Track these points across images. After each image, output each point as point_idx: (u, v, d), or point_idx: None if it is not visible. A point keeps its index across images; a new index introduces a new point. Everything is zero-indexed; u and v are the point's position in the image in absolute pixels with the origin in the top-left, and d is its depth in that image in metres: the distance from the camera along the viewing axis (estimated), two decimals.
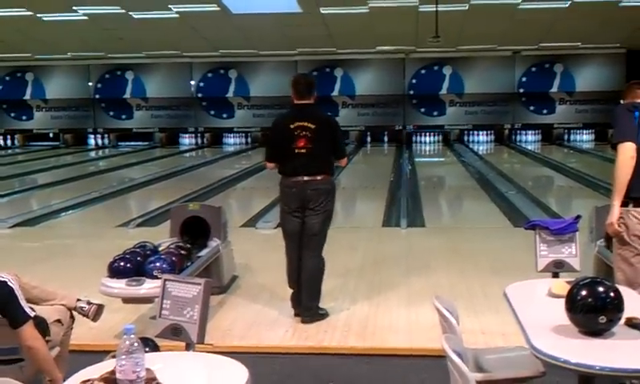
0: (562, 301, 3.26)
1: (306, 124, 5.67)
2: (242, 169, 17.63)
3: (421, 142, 24.88)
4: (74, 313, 4.40)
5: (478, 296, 6.37)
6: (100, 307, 4.53)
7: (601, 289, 3.17)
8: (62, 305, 4.27)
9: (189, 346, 3.35)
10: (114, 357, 2.71)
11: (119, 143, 26.02)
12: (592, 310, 3.11)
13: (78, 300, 4.45)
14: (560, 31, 20.27)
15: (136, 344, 2.62)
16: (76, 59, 25.03)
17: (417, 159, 20.30)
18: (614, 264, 4.66)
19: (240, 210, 12.38)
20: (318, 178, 5.73)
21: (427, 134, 25.02)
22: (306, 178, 5.68)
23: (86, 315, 4.47)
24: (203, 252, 6.21)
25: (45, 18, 18.77)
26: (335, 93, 25.20)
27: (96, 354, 4.07)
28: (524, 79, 24.67)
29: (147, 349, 3.81)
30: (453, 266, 7.65)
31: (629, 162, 4.37)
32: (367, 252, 8.39)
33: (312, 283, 5.79)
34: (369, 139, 25.34)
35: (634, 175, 4.40)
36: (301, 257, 5.81)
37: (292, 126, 5.69)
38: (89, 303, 4.47)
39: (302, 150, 5.66)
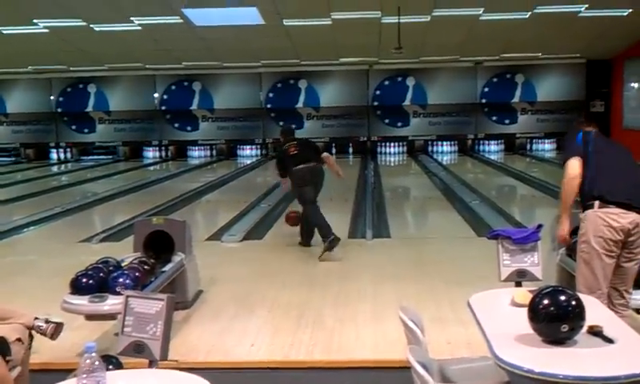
0: (525, 310, 3.29)
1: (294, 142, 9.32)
2: (207, 182, 17.54)
3: (385, 152, 24.98)
4: (33, 332, 4.33)
5: (444, 306, 6.39)
6: (59, 325, 4.45)
7: (563, 298, 3.21)
8: (20, 323, 4.19)
9: (152, 363, 3.32)
10: (76, 376, 2.67)
11: (82, 157, 25.72)
12: (554, 318, 3.15)
13: (36, 318, 4.38)
14: (521, 42, 20.53)
15: (97, 363, 2.58)
16: (37, 72, 24.73)
17: (382, 170, 20.37)
18: (576, 269, 4.71)
19: (205, 223, 12.31)
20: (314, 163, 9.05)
21: (391, 144, 25.12)
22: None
23: (44, 334, 4.39)
24: (167, 267, 6.14)
25: (4, 31, 18.55)
26: (300, 104, 25.22)
27: (58, 373, 4.01)
28: (486, 89, 24.92)
29: (110, 367, 3.79)
30: (418, 277, 7.67)
31: (573, 180, 4.54)
32: (333, 263, 8.38)
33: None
34: (334, 151, 25.36)
35: (597, 175, 4.50)
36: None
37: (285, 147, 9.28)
38: (47, 322, 4.40)
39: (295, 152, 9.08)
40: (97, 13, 16.82)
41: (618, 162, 4.64)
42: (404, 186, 18.44)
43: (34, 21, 17.65)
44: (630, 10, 17.29)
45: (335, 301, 6.76)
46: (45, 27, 18.27)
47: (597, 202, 4.52)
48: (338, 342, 5.60)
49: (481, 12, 17.28)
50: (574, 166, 4.58)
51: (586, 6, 16.92)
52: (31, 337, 4.30)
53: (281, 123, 25.12)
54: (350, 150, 25.26)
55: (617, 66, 21.98)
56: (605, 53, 21.62)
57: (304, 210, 9.19)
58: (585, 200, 4.65)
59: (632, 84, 21.18)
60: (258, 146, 25.21)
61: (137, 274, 5.48)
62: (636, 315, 5.21)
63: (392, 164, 23.59)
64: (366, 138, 25.19)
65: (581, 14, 17.57)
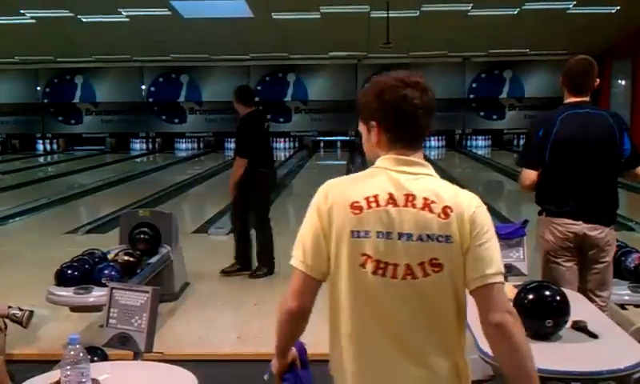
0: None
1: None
2: (194, 174, 17.50)
3: None
4: (6, 320, 4.31)
5: None
6: (31, 313, 4.43)
7: (547, 293, 3.22)
8: None
9: (137, 355, 3.31)
10: (60, 367, 2.65)
11: (68, 148, 25.58)
12: (539, 313, 3.16)
13: (9, 307, 4.35)
14: (509, 38, 20.60)
15: (81, 354, 2.57)
16: (24, 63, 24.57)
17: (369, 164, 20.33)
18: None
19: (192, 215, 12.29)
20: None
21: None
22: None
23: (19, 321, 4.36)
24: (153, 259, 6.13)
25: None
26: (288, 98, 25.20)
27: (43, 364, 4.00)
28: (474, 85, 24.98)
29: (96, 358, 3.77)
30: None
31: (527, 189, 4.43)
32: None
33: None
34: (322, 144, 25.38)
35: (548, 190, 4.39)
36: None
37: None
38: (20, 309, 4.37)
39: None
40: (84, 3, 16.74)
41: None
42: None
43: (21, 11, 17.54)
44: (618, 7, 17.38)
45: (322, 294, 6.76)
46: (32, 18, 18.17)
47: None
48: (324, 335, 5.59)
49: (469, 7, 17.32)
50: (527, 175, 4.52)
51: (575, 2, 16.99)
52: (5, 325, 4.28)
53: (269, 116, 25.11)
54: (338, 144, 25.26)
55: (605, 63, 22.04)
56: (593, 49, 21.55)
57: (266, 229, 7.55)
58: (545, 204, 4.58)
59: (619, 81, 21.29)
60: None
61: (122, 265, 5.48)
62: (617, 309, 5.24)
63: None
64: (354, 133, 25.17)
65: (569, 11, 17.65)
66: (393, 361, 2.13)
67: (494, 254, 2.19)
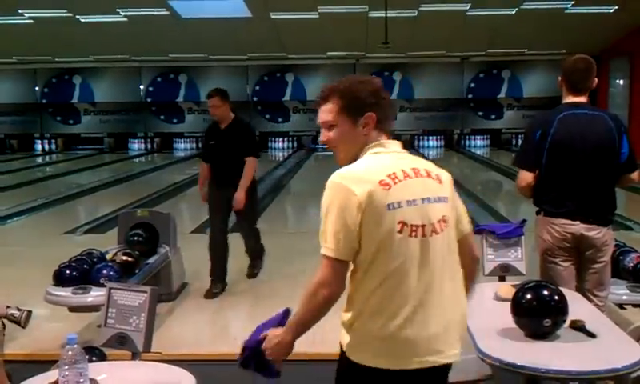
0: (509, 304, 3.30)
1: None
2: (193, 174, 17.45)
3: None
4: (5, 320, 4.31)
5: None
6: (29, 313, 4.42)
7: (545, 292, 3.22)
8: None
9: (135, 355, 3.31)
10: (58, 367, 2.65)
11: (67, 148, 25.56)
12: (537, 313, 3.16)
13: (8, 307, 4.35)
14: (507, 38, 20.60)
15: (79, 354, 2.57)
16: (22, 63, 24.55)
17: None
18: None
19: (190, 216, 12.27)
20: None
21: None
22: None
23: (17, 321, 4.36)
24: (152, 259, 6.13)
25: None
26: (286, 98, 25.20)
27: (41, 364, 4.00)
28: (472, 85, 24.98)
29: (94, 358, 3.77)
30: None
31: (524, 190, 4.43)
32: (318, 256, 8.36)
33: None
34: (320, 144, 25.36)
35: (548, 189, 4.38)
36: None
37: None
38: (18, 309, 4.37)
39: None
40: (82, 4, 16.73)
41: None
42: None
43: (19, 11, 17.52)
44: (616, 7, 17.38)
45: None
46: (30, 18, 18.15)
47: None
48: (321, 335, 5.59)
49: (468, 7, 17.32)
50: (524, 177, 4.52)
51: (573, 2, 16.99)
52: (3, 325, 4.28)
53: (267, 116, 25.13)
54: None
55: (602, 63, 22.04)
56: (590, 49, 21.54)
57: (258, 233, 7.56)
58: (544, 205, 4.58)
59: (617, 80, 21.30)
60: None
61: (121, 265, 5.48)
62: (615, 308, 5.24)
63: None
64: None
65: (567, 11, 17.66)
66: (442, 314, 2.52)
67: (464, 209, 2.78)
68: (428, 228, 2.49)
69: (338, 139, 2.66)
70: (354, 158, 2.62)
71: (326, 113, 2.68)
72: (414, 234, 2.46)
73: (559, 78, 4.42)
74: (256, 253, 7.50)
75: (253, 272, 7.48)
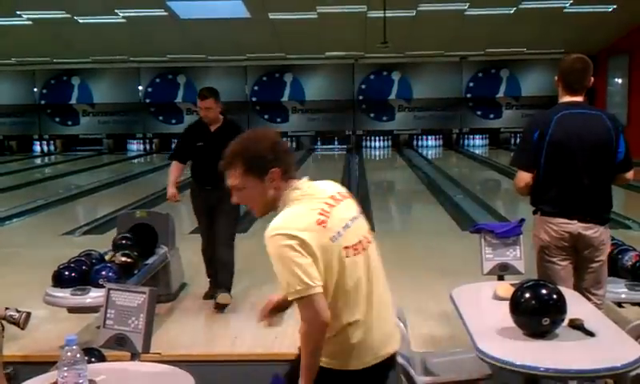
0: (507, 303, 3.30)
1: None
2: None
3: (370, 146, 25.00)
4: (4, 322, 4.31)
5: (427, 299, 6.41)
6: (28, 315, 4.43)
7: (544, 291, 3.22)
8: None
9: (134, 356, 3.31)
10: (57, 368, 2.65)
11: (65, 150, 25.54)
12: (535, 312, 3.16)
13: (7, 309, 4.35)
14: (506, 37, 20.61)
15: (78, 355, 2.57)
16: (21, 64, 24.54)
17: (366, 164, 20.39)
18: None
19: (189, 216, 12.23)
20: None
21: (377, 138, 25.15)
22: None
23: (17, 323, 4.36)
24: (151, 260, 6.13)
25: None
26: (285, 98, 25.19)
27: (40, 365, 4.00)
28: (471, 84, 24.98)
29: (93, 359, 3.77)
30: (402, 270, 7.67)
31: (522, 191, 4.44)
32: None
33: None
34: (319, 144, 25.39)
35: (546, 188, 4.39)
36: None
37: None
38: (17, 311, 4.37)
39: None
40: (81, 5, 16.73)
41: None
42: (389, 179, 18.48)
43: (18, 12, 17.52)
44: (614, 6, 17.39)
45: None
46: (28, 19, 18.15)
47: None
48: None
49: (466, 7, 17.33)
50: (522, 178, 4.52)
51: (571, 1, 17.00)
52: (2, 326, 4.28)
53: (266, 117, 25.12)
54: (336, 143, 25.28)
55: (601, 62, 22.06)
56: (589, 48, 21.61)
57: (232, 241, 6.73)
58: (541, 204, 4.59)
59: (616, 79, 21.31)
60: None
61: (120, 266, 5.48)
62: (615, 307, 5.25)
63: (377, 158, 23.64)
64: (351, 132, 25.20)
65: (566, 10, 17.67)
66: (385, 312, 2.82)
67: None
68: (364, 242, 2.76)
69: (250, 199, 2.81)
70: (271, 209, 2.79)
71: (233, 178, 2.79)
72: (356, 252, 2.70)
73: (556, 78, 4.43)
74: (225, 267, 6.52)
75: (217, 292, 6.41)
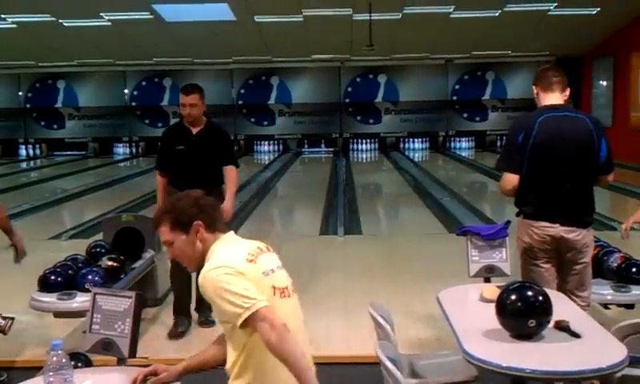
0: (494, 305, 3.31)
1: None
2: None
3: (357, 149, 25.02)
4: None
5: (415, 302, 6.43)
6: (12, 320, 4.42)
7: (530, 293, 3.24)
8: None
9: (120, 361, 3.29)
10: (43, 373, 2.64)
11: (51, 153, 25.42)
12: (521, 313, 3.18)
13: None
14: (491, 40, 20.68)
15: (64, 360, 2.56)
16: (5, 68, 24.38)
17: (353, 167, 20.41)
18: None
19: None
20: None
21: (363, 141, 25.17)
22: None
23: (2, 330, 4.35)
24: (137, 264, 6.11)
25: None
26: (271, 101, 25.16)
27: (27, 370, 3.98)
28: (457, 87, 25.05)
29: (79, 364, 3.76)
30: (389, 273, 7.70)
31: (509, 193, 4.46)
32: (305, 260, 8.38)
33: None
34: (306, 147, 25.40)
35: (528, 191, 4.42)
36: None
37: None
38: (3, 317, 4.36)
39: None
40: (66, 8, 16.64)
41: None
42: (376, 182, 18.51)
43: (2, 16, 17.41)
44: (599, 9, 17.49)
45: (306, 297, 6.75)
46: (13, 22, 18.04)
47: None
48: (308, 338, 5.59)
49: (452, 10, 17.36)
50: (509, 180, 4.55)
51: (556, 4, 17.08)
52: None
53: (252, 120, 25.10)
54: (322, 146, 25.29)
55: (586, 64, 22.22)
56: (574, 51, 21.84)
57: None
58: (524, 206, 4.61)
59: (600, 81, 21.43)
60: None
61: (106, 270, 5.45)
62: (600, 309, 5.28)
63: (364, 161, 23.66)
64: (337, 135, 25.21)
65: (550, 13, 17.73)
66: (310, 361, 2.90)
67: None
68: (289, 289, 2.95)
69: (180, 253, 2.99)
70: (201, 262, 2.94)
71: (164, 234, 3.00)
72: (283, 295, 2.89)
73: (533, 88, 4.49)
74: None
75: (207, 319, 5.95)
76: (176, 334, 5.75)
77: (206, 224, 2.95)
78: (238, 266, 2.77)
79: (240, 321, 2.69)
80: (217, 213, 3.07)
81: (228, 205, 5.86)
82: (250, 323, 2.70)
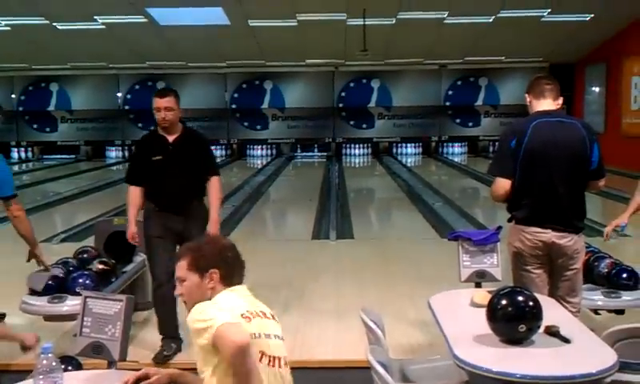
0: (484, 310, 3.32)
1: None
2: None
3: (350, 154, 25.03)
4: None
5: (406, 306, 6.43)
6: (3, 316, 4.43)
7: (520, 298, 3.24)
8: None
9: (110, 364, 3.29)
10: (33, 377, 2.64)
11: (43, 156, 25.38)
12: (512, 318, 3.19)
13: None
14: (485, 45, 20.73)
15: (54, 363, 2.55)
16: None
17: (346, 171, 20.42)
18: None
19: None
20: None
21: (356, 146, 25.19)
22: None
23: None
24: (128, 267, 6.09)
25: None
26: (265, 105, 25.16)
27: (17, 374, 3.97)
28: (450, 92, 25.08)
29: (70, 368, 3.75)
30: (381, 277, 7.71)
31: (501, 198, 4.47)
32: (297, 264, 8.38)
33: None
34: (299, 151, 25.40)
35: (521, 197, 4.44)
36: None
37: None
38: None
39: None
40: (60, 11, 16.63)
41: None
42: (368, 187, 18.52)
43: None
44: (592, 16, 17.56)
45: (298, 301, 6.77)
46: (6, 25, 18.01)
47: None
48: (300, 342, 5.60)
49: (445, 15, 17.41)
50: (501, 185, 4.56)
51: (549, 10, 17.14)
52: None
53: (246, 124, 25.09)
54: (315, 151, 25.30)
55: (578, 71, 22.30)
56: (567, 57, 21.92)
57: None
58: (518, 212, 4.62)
59: (593, 88, 21.51)
60: (223, 147, 25.09)
61: (97, 274, 5.44)
62: (591, 314, 5.29)
63: (357, 165, 23.67)
64: (330, 140, 25.22)
65: (544, 19, 17.80)
66: None
67: None
68: (281, 361, 2.89)
69: (188, 292, 2.96)
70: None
71: (180, 269, 2.99)
72: (271, 365, 2.83)
73: (526, 97, 4.52)
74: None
75: (165, 353, 5.37)
76: (161, 358, 5.28)
77: (222, 275, 2.95)
78: (228, 313, 2.75)
79: (205, 344, 2.70)
80: (238, 268, 3.04)
81: (214, 216, 5.50)
82: (215, 343, 2.69)
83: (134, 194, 5.52)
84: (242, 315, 2.80)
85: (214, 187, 5.59)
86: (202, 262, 2.94)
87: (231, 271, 2.98)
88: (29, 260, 5.25)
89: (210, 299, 2.90)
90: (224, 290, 2.93)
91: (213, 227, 5.43)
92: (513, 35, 19.23)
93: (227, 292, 2.92)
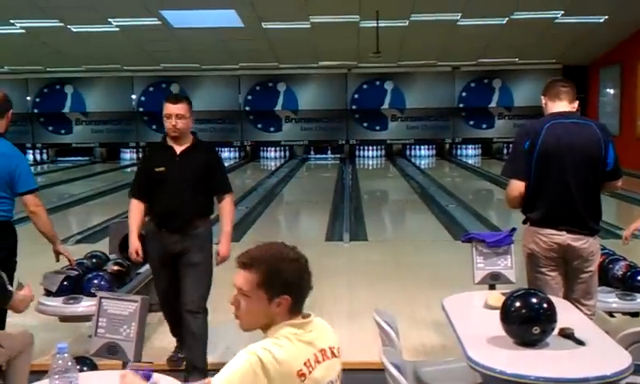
0: (498, 312, 3.32)
1: None
2: None
3: (363, 156, 25.03)
4: None
5: (420, 308, 6.43)
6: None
7: (534, 300, 3.24)
8: None
9: (125, 365, 3.30)
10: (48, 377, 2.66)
11: (58, 158, 25.52)
12: (526, 320, 3.18)
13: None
14: (498, 47, 20.68)
15: (69, 363, 2.57)
16: (14, 73, 24.48)
17: (360, 173, 20.41)
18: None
19: None
20: None
21: (370, 148, 25.18)
22: None
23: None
24: (143, 269, 6.12)
25: None
26: (278, 107, 25.21)
27: (33, 374, 4.00)
28: (464, 94, 25.04)
29: (85, 368, 3.77)
30: (394, 279, 7.70)
31: (515, 200, 4.45)
32: (310, 266, 8.34)
33: None
34: (312, 154, 25.42)
35: (535, 197, 4.41)
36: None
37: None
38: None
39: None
40: (74, 14, 16.72)
41: None
42: (382, 189, 18.50)
43: (11, 21, 17.50)
44: (606, 17, 17.47)
45: (311, 302, 6.74)
46: (22, 27, 18.13)
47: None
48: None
49: (459, 17, 17.38)
50: (516, 187, 4.55)
51: (563, 12, 17.07)
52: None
53: (259, 126, 25.13)
54: (329, 153, 25.31)
55: (593, 72, 22.20)
56: (581, 59, 21.83)
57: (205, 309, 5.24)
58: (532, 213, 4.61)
59: (608, 90, 21.40)
60: (237, 149, 25.17)
61: (112, 275, 5.47)
62: (605, 317, 5.27)
63: (370, 167, 23.66)
64: (344, 142, 25.22)
65: (557, 21, 17.73)
66: None
67: None
68: None
69: (246, 311, 2.56)
70: (256, 328, 2.59)
71: (244, 281, 2.52)
72: None
73: (542, 99, 4.50)
74: (195, 341, 4.98)
75: (180, 355, 5.27)
76: (175, 359, 5.21)
77: (293, 303, 2.54)
78: (279, 366, 2.41)
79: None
80: (307, 293, 2.63)
81: (224, 249, 5.10)
82: None
83: (137, 208, 5.11)
84: (297, 373, 2.43)
85: (226, 211, 5.16)
86: (278, 282, 2.51)
87: (301, 300, 2.59)
88: (58, 259, 5.31)
89: (266, 329, 2.55)
90: (287, 327, 2.53)
91: (224, 242, 5.13)
92: (526, 37, 19.18)
93: (293, 330, 2.53)
